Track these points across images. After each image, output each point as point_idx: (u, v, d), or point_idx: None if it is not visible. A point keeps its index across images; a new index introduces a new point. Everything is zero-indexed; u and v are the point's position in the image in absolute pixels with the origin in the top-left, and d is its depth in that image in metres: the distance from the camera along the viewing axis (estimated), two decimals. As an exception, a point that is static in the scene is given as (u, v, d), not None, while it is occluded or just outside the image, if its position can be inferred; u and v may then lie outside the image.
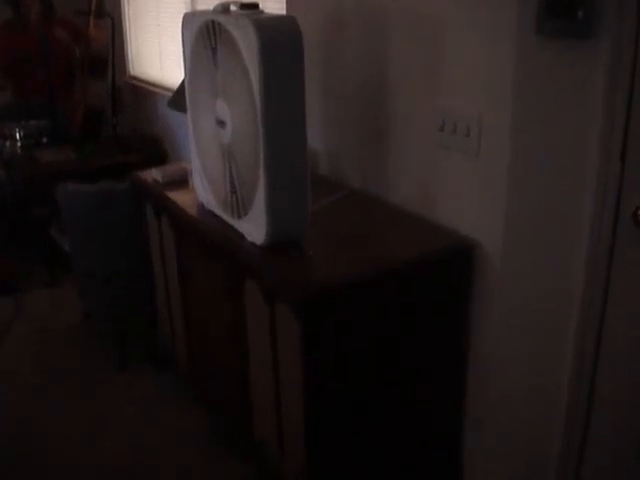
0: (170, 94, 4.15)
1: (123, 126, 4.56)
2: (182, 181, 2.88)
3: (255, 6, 2.12)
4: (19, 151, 4.51)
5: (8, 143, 4.54)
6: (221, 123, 2.27)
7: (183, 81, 2.88)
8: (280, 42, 1.96)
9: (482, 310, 2.24)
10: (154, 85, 4.60)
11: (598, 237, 2.02)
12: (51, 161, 4.27)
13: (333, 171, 2.86)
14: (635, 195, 1.92)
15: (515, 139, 2.01)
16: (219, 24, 2.15)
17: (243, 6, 2.12)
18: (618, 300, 2.04)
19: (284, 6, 3.00)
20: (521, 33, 1.93)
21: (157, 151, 4.45)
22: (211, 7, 3.25)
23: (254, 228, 2.20)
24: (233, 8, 2.18)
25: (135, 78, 4.90)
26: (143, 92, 4.70)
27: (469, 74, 2.12)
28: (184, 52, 2.49)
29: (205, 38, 2.27)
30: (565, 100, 1.95)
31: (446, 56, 2.19)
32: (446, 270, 2.23)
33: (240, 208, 2.28)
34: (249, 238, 2.24)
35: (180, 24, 3.77)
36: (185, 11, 3.97)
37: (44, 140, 4.58)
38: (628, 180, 1.93)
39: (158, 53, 4.56)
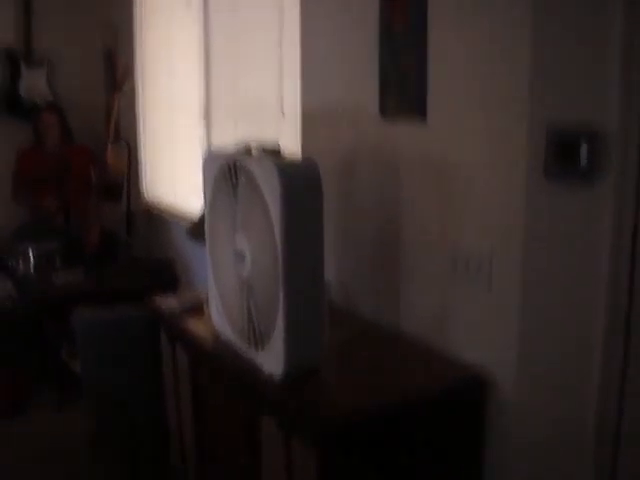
0: (184, 220, 4.33)
1: (137, 249, 4.69)
2: (198, 309, 2.95)
3: (277, 152, 2.26)
4: (32, 271, 4.59)
5: (22, 262, 4.62)
6: (240, 256, 2.38)
7: (201, 212, 3.00)
8: (301, 187, 2.11)
9: (496, 441, 2.28)
10: (168, 210, 4.77)
11: (610, 367, 2.06)
12: (65, 283, 4.36)
13: (345, 300, 2.95)
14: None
15: (526, 275, 2.13)
16: (241, 164, 2.28)
17: (266, 150, 2.25)
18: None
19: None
20: (531, 176, 2.08)
21: (170, 275, 4.56)
22: (224, 138, 3.46)
23: (271, 360, 2.28)
24: (255, 151, 2.31)
25: (149, 203, 5.08)
26: (157, 217, 4.87)
27: (481, 214, 2.26)
28: (204, 186, 2.63)
29: (227, 176, 2.41)
30: (573, 237, 2.07)
31: (459, 197, 2.33)
32: (459, 402, 2.29)
33: (257, 340, 2.35)
34: (266, 369, 2.30)
35: (195, 152, 3.98)
36: (199, 140, 4.18)
37: (58, 261, 4.66)
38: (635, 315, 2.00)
39: (172, 179, 4.75)
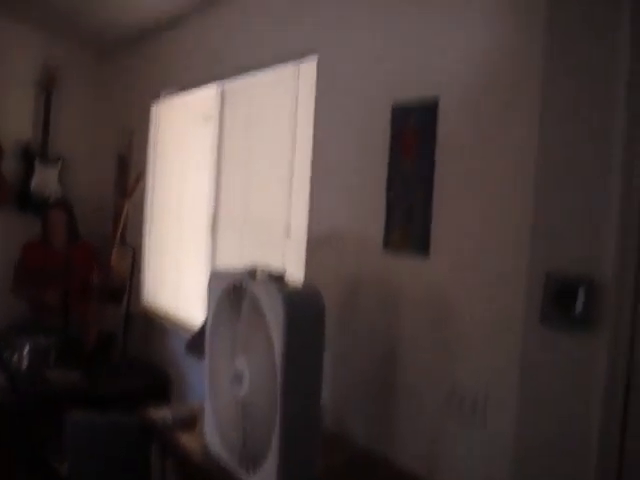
0: (182, 329, 4.37)
1: (133, 352, 4.71)
2: (190, 423, 2.96)
3: (282, 276, 2.33)
4: (26, 365, 4.57)
5: (16, 356, 4.60)
6: (239, 377, 2.41)
7: (201, 327, 3.05)
8: (305, 315, 2.18)
9: None
10: (167, 318, 4.82)
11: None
12: (58, 381, 4.34)
13: (338, 424, 2.97)
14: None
15: (520, 416, 2.17)
16: (246, 287, 2.35)
17: (271, 275, 2.32)
18: None
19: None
20: (527, 320, 2.16)
21: (164, 382, 4.56)
22: (230, 251, 3.53)
23: (262, 484, 2.27)
24: (260, 274, 2.38)
25: (149, 308, 5.13)
26: (156, 323, 4.90)
27: (477, 353, 2.33)
28: (208, 304, 2.70)
29: (231, 297, 2.48)
30: (566, 382, 2.12)
31: (456, 334, 2.39)
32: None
33: (250, 461, 2.37)
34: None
35: (199, 263, 4.05)
36: (205, 251, 4.26)
37: (53, 357, 4.65)
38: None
39: (173, 286, 4.84)
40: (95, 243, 5.34)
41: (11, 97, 5.61)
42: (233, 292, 2.47)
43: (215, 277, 2.68)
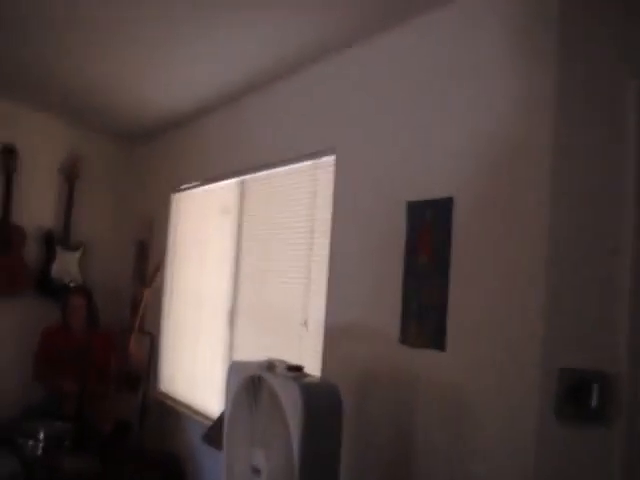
0: (199, 417, 4.38)
1: (148, 440, 4.70)
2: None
3: (300, 369, 2.38)
4: (41, 452, 4.55)
5: (31, 442, 4.59)
6: (256, 472, 2.43)
7: (218, 418, 3.09)
8: (323, 409, 2.23)
9: None
10: (184, 406, 4.84)
11: None
12: (73, 468, 4.32)
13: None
14: None
15: None
16: (265, 380, 2.39)
17: (290, 368, 2.37)
18: None
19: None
20: (541, 414, 2.20)
21: (178, 472, 4.54)
22: (247, 341, 3.57)
23: None
24: (279, 367, 2.43)
25: (166, 396, 5.14)
26: (171, 409, 4.93)
27: (493, 448, 2.36)
28: (226, 396, 2.74)
29: (249, 389, 2.52)
30: (583, 474, 2.14)
31: (470, 428, 2.42)
32: None
33: None
34: None
35: (217, 352, 4.09)
36: (222, 340, 4.31)
37: (68, 444, 4.63)
38: None
39: (190, 375, 4.87)
40: (113, 329, 5.41)
41: (35, 184, 5.79)
42: (252, 384, 2.51)
43: (234, 368, 2.73)
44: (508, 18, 2.51)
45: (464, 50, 2.69)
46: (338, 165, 3.35)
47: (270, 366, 2.48)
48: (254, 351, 3.93)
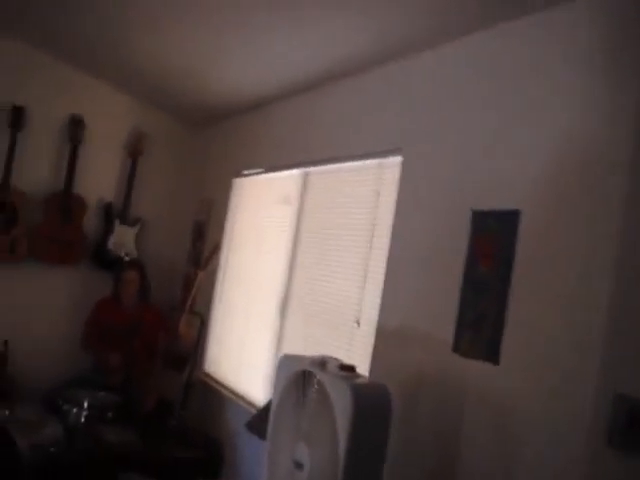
0: (242, 402, 4.42)
1: (189, 419, 4.76)
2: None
3: (352, 369, 2.38)
4: (83, 420, 4.64)
5: (75, 410, 4.68)
6: (299, 465, 2.44)
7: (264, 407, 3.11)
8: (372, 411, 2.24)
9: None
10: (228, 389, 4.89)
11: None
12: (113, 440, 4.41)
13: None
14: None
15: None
16: (315, 376, 2.40)
17: (342, 367, 2.38)
18: None
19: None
20: (593, 441, 2.16)
21: (217, 454, 4.59)
22: (297, 332, 3.58)
23: None
24: (331, 364, 2.43)
25: (209, 376, 5.20)
26: (214, 391, 4.98)
27: (540, 467, 2.30)
28: (274, 388, 2.76)
29: (299, 383, 2.54)
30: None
31: (519, 447, 2.40)
32: None
33: None
34: None
35: (266, 340, 4.12)
36: (272, 329, 4.33)
37: (109, 414, 4.71)
38: None
39: (236, 359, 4.92)
40: (163, 307, 5.49)
41: (99, 157, 5.90)
42: (302, 378, 2.53)
43: (285, 361, 2.75)
44: (595, 29, 2.46)
45: (544, 60, 2.66)
46: (404, 166, 3.34)
47: (322, 363, 2.50)
48: (303, 343, 3.96)
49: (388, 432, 2.27)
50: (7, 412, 4.09)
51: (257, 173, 5.07)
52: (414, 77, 3.41)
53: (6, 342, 5.19)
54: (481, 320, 2.69)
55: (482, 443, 2.59)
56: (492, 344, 2.60)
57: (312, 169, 4.31)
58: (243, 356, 4.83)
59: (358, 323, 3.44)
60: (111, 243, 5.83)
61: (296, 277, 4.28)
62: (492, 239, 2.72)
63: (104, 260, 5.81)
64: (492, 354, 2.60)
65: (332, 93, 4.16)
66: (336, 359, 2.56)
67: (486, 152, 2.85)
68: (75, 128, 5.65)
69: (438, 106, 3.20)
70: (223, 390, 4.90)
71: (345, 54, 3.74)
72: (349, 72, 3.92)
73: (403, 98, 3.46)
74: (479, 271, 2.75)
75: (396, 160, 3.42)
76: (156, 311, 5.34)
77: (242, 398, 4.59)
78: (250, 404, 4.41)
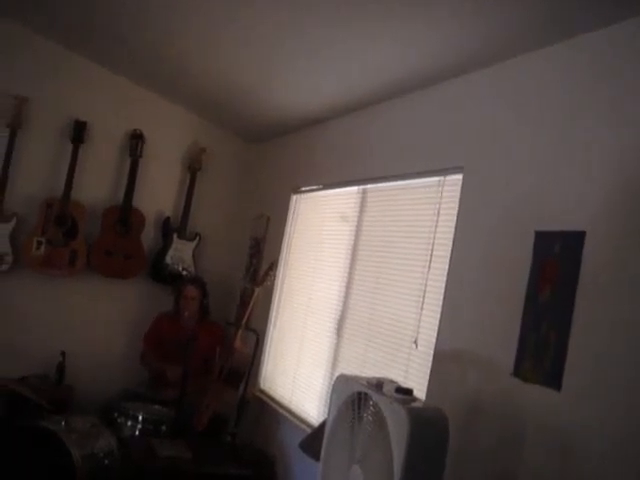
0: (296, 420, 4.41)
1: (243, 436, 4.77)
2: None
3: (409, 392, 2.36)
4: (137, 433, 4.69)
5: (130, 423, 4.74)
6: (353, 485, 2.41)
7: (318, 427, 3.09)
8: (429, 437, 2.21)
9: None
10: (281, 405, 4.91)
11: None
12: (166, 454, 4.43)
13: None
14: None
15: None
16: (371, 398, 2.38)
17: (399, 390, 2.35)
18: None
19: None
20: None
21: (269, 471, 4.59)
22: (352, 352, 3.56)
23: None
24: (387, 386, 2.41)
25: (263, 392, 5.22)
26: (268, 408, 4.99)
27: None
28: (329, 408, 2.75)
29: (354, 405, 2.51)
30: None
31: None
32: None
33: None
34: None
35: (321, 358, 4.11)
36: (328, 348, 4.32)
37: (163, 428, 4.75)
38: None
39: (291, 377, 4.91)
40: (219, 322, 5.54)
41: (158, 171, 6.02)
42: (357, 400, 2.51)
43: (341, 381, 2.73)
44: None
45: (615, 76, 2.60)
46: (465, 185, 3.31)
47: (378, 385, 2.47)
48: (359, 363, 3.94)
49: (445, 458, 2.23)
50: (63, 422, 4.15)
51: (315, 190, 5.09)
52: (476, 94, 3.38)
53: (63, 353, 5.30)
54: (543, 345, 2.63)
55: (541, 473, 2.52)
56: (554, 369, 2.55)
57: (370, 186, 4.30)
58: (298, 374, 4.83)
59: (416, 344, 3.40)
60: (169, 257, 5.92)
61: (353, 296, 4.26)
62: (556, 262, 2.67)
63: (162, 274, 5.91)
64: (554, 380, 2.54)
65: (391, 110, 4.15)
66: (393, 381, 2.54)
67: (552, 173, 2.80)
68: (135, 142, 5.78)
69: (501, 123, 3.17)
70: (278, 408, 4.91)
71: (405, 70, 3.73)
72: (408, 89, 3.91)
73: (464, 115, 3.43)
74: (541, 295, 2.70)
75: (457, 178, 3.38)
76: (214, 327, 5.40)
77: (297, 417, 4.59)
78: (304, 423, 4.40)
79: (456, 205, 3.33)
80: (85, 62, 5.53)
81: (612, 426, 2.29)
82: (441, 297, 3.29)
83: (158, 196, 6.03)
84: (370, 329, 3.95)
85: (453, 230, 3.31)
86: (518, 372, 2.73)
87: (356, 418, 2.49)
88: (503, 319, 2.86)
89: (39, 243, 5.39)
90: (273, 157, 6.03)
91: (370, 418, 2.40)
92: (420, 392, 3.09)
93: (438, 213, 3.49)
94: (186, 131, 6.10)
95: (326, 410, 2.79)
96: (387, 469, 2.23)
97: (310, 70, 4.23)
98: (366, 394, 2.46)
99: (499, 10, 2.84)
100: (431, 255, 3.47)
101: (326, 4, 3.34)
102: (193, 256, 5.99)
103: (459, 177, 3.36)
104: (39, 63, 5.44)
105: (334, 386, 2.75)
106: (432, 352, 3.26)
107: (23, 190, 5.41)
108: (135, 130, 5.77)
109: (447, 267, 3.29)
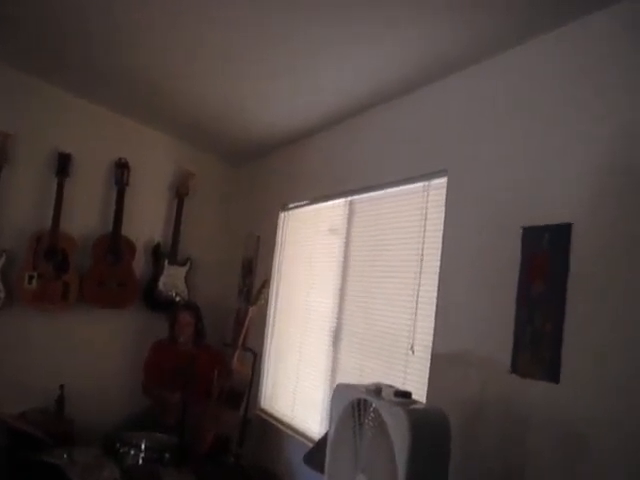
0: (299, 436, 4.39)
1: (247, 456, 4.74)
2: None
3: (408, 395, 2.36)
4: (140, 462, 4.64)
5: (132, 452, 4.69)
6: (359, 497, 2.41)
7: (321, 440, 3.08)
8: (431, 439, 2.20)
9: None
10: (284, 423, 4.88)
11: None
12: (171, 482, 4.40)
13: None
14: None
15: None
16: (371, 404, 2.38)
17: (397, 393, 2.35)
18: None
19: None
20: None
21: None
22: (351, 363, 3.56)
23: None
24: (386, 391, 2.41)
25: (264, 411, 5.21)
26: (271, 427, 4.97)
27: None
28: (330, 419, 2.74)
29: (354, 412, 2.51)
30: None
31: (586, 471, 2.31)
32: None
33: None
34: None
35: (320, 371, 4.10)
36: (326, 360, 4.31)
37: (167, 456, 4.71)
38: None
39: (291, 393, 4.90)
40: (215, 344, 5.52)
41: (145, 198, 6.02)
42: (357, 407, 2.51)
43: (340, 390, 2.73)
44: None
45: (591, 71, 2.63)
46: (450, 187, 3.33)
47: (377, 390, 2.47)
48: (358, 373, 3.93)
49: (448, 458, 2.23)
50: (65, 456, 4.12)
51: (302, 205, 5.11)
52: (455, 97, 3.41)
53: (62, 386, 5.27)
54: (538, 339, 2.64)
55: (546, 467, 2.52)
56: (551, 362, 2.56)
57: (357, 197, 4.32)
58: (298, 390, 4.82)
59: (412, 350, 3.41)
60: (161, 284, 5.91)
61: (347, 306, 4.27)
62: (544, 255, 2.68)
63: (155, 301, 5.90)
64: (552, 373, 2.55)
65: (372, 119, 4.18)
66: (391, 386, 2.54)
67: (535, 168, 2.82)
68: (120, 171, 5.78)
69: (482, 124, 3.19)
70: (279, 425, 4.90)
71: (382, 79, 3.76)
72: (387, 97, 3.94)
73: (445, 119, 3.45)
74: (533, 289, 2.71)
75: (442, 181, 3.41)
76: (210, 351, 5.38)
77: (299, 432, 4.58)
78: (307, 438, 4.38)
79: (442, 208, 3.35)
80: (61, 93, 5.51)
81: (613, 415, 2.30)
82: (434, 301, 3.30)
83: (147, 223, 6.02)
84: (366, 338, 3.95)
85: (441, 232, 3.32)
86: (516, 368, 2.73)
87: (357, 425, 2.49)
88: (497, 317, 2.87)
89: (30, 278, 5.36)
90: (258, 177, 6.04)
91: (371, 424, 2.40)
92: (420, 397, 3.08)
93: (425, 218, 3.51)
94: (170, 157, 6.12)
95: (327, 423, 2.77)
96: (391, 474, 2.23)
97: (287, 88, 4.25)
98: (365, 400, 2.46)
99: (475, 12, 2.87)
100: (421, 260, 3.48)
101: (303, 23, 3.37)
102: (186, 281, 5.98)
103: (444, 180, 3.38)
104: (16, 97, 5.42)
105: (333, 395, 2.75)
106: (429, 357, 3.27)
107: (11, 225, 5.40)
108: (120, 159, 5.78)
109: (438, 270, 3.30)
